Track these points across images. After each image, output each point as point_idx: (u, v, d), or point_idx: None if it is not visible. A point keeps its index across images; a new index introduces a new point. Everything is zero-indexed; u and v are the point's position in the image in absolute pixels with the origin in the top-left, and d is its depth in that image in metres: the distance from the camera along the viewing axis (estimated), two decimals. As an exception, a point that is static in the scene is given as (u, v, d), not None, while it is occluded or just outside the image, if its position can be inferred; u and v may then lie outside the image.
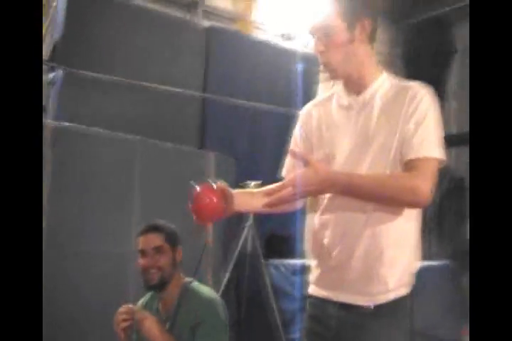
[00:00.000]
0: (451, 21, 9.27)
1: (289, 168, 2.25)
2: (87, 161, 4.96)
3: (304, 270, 4.98)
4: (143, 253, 2.98)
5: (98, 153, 5.12)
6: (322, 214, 2.10)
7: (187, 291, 2.96)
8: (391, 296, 2.01)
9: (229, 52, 6.96)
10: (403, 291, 2.03)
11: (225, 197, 2.09)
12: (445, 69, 8.74)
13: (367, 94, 2.07)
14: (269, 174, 6.97)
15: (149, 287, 2.98)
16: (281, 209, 2.09)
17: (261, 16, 7.89)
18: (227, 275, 5.34)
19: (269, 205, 1.89)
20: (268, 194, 1.90)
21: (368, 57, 2.11)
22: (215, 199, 2.07)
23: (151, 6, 6.75)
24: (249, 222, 5.51)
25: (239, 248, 5.44)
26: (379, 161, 1.99)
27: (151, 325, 2.77)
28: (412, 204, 1.97)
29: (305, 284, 4.75)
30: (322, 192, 1.96)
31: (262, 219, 5.77)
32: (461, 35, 9.37)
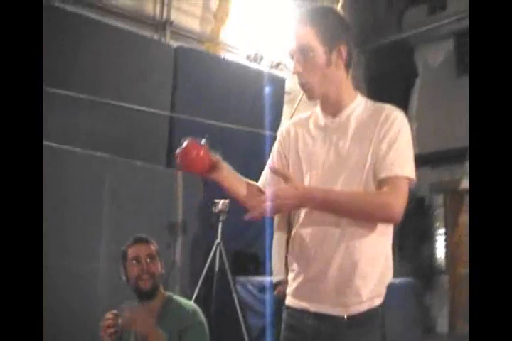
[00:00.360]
0: (411, 46, 9.54)
1: (265, 181, 2.32)
2: (58, 178, 5.00)
3: (271, 287, 5.05)
4: (137, 260, 3.05)
5: (69, 170, 5.16)
6: (299, 228, 2.19)
7: (170, 302, 3.05)
8: (364, 307, 2.09)
9: (197, 72, 7.06)
10: (376, 302, 2.12)
11: (213, 160, 2.16)
12: (406, 92, 8.98)
13: (343, 116, 2.16)
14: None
15: (141, 294, 3.03)
16: None
17: (228, 38, 8.02)
18: (196, 291, 5.38)
19: (250, 218, 1.98)
20: (251, 207, 1.98)
21: (344, 81, 2.18)
22: (201, 153, 2.14)
23: (121, 25, 6.82)
24: (218, 239, 5.57)
25: (207, 265, 5.48)
26: (353, 179, 2.08)
27: (145, 321, 2.85)
28: (385, 220, 2.07)
29: (272, 301, 4.81)
30: (300, 206, 2.06)
31: (229, 236, 5.84)
32: (422, 59, 9.64)
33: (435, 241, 9.14)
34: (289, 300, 2.24)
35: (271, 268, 5.44)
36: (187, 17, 7.76)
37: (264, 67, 8.22)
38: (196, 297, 5.34)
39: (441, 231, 9.14)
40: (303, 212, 2.18)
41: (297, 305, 2.19)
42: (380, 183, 2.04)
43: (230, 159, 6.81)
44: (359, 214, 2.04)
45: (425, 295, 8.03)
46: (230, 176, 2.23)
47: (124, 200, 5.47)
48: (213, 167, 2.16)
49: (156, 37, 7.36)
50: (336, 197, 2.01)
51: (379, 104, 2.18)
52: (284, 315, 2.27)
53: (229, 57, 7.83)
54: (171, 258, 5.60)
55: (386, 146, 2.04)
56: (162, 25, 7.38)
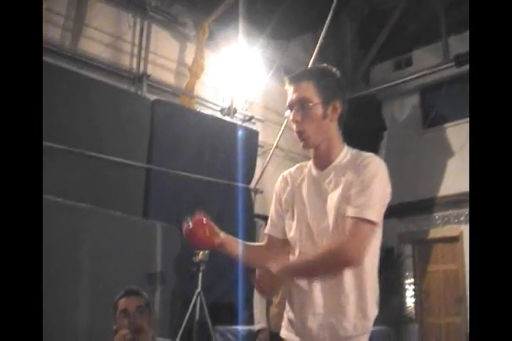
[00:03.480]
0: (379, 100, 9.85)
1: (270, 227, 2.47)
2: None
3: (249, 336, 5.10)
4: (125, 313, 3.08)
5: (48, 220, 5.13)
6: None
7: None
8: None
9: (174, 125, 7.21)
10: (363, 338, 2.24)
11: (216, 236, 2.31)
12: (375, 145, 9.21)
13: (330, 170, 2.29)
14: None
15: None
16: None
17: (203, 92, 8.22)
18: (177, 341, 5.36)
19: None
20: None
21: (335, 134, 2.31)
22: (207, 231, 2.28)
23: (98, 77, 6.97)
24: (198, 289, 5.58)
25: (188, 315, 5.47)
26: (338, 225, 2.19)
27: None
28: (346, 267, 2.17)
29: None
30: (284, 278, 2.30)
31: (208, 286, 5.87)
32: (389, 114, 9.95)
33: (405, 290, 9.25)
34: (286, 335, 2.33)
35: (246, 316, 5.45)
36: (163, 71, 7.94)
37: (237, 120, 8.43)
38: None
39: (411, 280, 9.28)
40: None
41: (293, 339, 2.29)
42: (346, 223, 2.16)
43: (205, 210, 6.83)
44: (325, 273, 2.21)
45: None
46: (234, 247, 2.38)
47: (104, 251, 5.45)
48: (219, 242, 2.33)
49: (132, 90, 7.50)
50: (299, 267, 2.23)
51: (361, 153, 2.30)
52: None
53: (203, 110, 8.00)
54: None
55: (357, 190, 2.16)
56: (139, 78, 7.52)
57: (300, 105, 2.26)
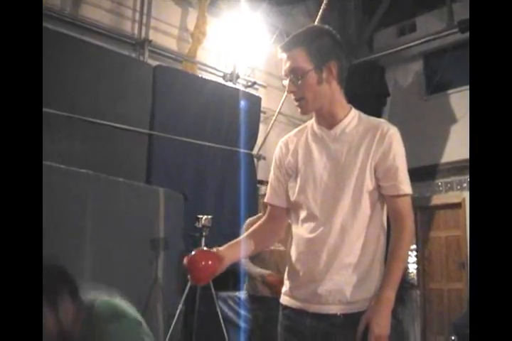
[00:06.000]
0: (382, 66, 9.78)
1: (271, 196, 2.45)
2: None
3: (250, 301, 5.13)
4: None
5: (52, 187, 5.14)
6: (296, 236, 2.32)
7: None
8: (361, 307, 2.17)
9: (176, 91, 7.19)
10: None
11: (218, 259, 2.24)
12: (378, 110, 9.16)
13: (338, 130, 2.26)
14: (214, 208, 7.14)
15: None
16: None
17: (205, 57, 8.17)
18: (179, 307, 5.39)
19: None
20: None
21: (336, 95, 2.26)
22: (210, 262, 2.18)
23: (100, 43, 6.93)
24: (201, 255, 5.58)
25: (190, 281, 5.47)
26: (356, 190, 2.19)
27: None
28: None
29: (251, 315, 4.87)
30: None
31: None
32: (392, 79, 9.88)
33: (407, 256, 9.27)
34: (287, 301, 2.34)
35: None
36: (165, 36, 7.89)
37: (239, 86, 8.39)
38: (180, 312, 5.38)
39: (413, 246, 9.31)
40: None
41: (295, 305, 2.29)
42: (391, 200, 2.23)
43: (208, 175, 6.81)
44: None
45: (397, 309, 8.15)
46: (232, 257, 2.38)
47: (107, 217, 5.46)
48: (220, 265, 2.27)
49: (134, 56, 7.46)
50: (397, 276, 2.19)
51: (372, 119, 2.31)
52: (280, 316, 2.36)
53: (205, 76, 7.97)
54: (153, 275, 5.63)
55: (390, 165, 2.19)
56: (141, 44, 7.47)
57: (293, 75, 2.22)
